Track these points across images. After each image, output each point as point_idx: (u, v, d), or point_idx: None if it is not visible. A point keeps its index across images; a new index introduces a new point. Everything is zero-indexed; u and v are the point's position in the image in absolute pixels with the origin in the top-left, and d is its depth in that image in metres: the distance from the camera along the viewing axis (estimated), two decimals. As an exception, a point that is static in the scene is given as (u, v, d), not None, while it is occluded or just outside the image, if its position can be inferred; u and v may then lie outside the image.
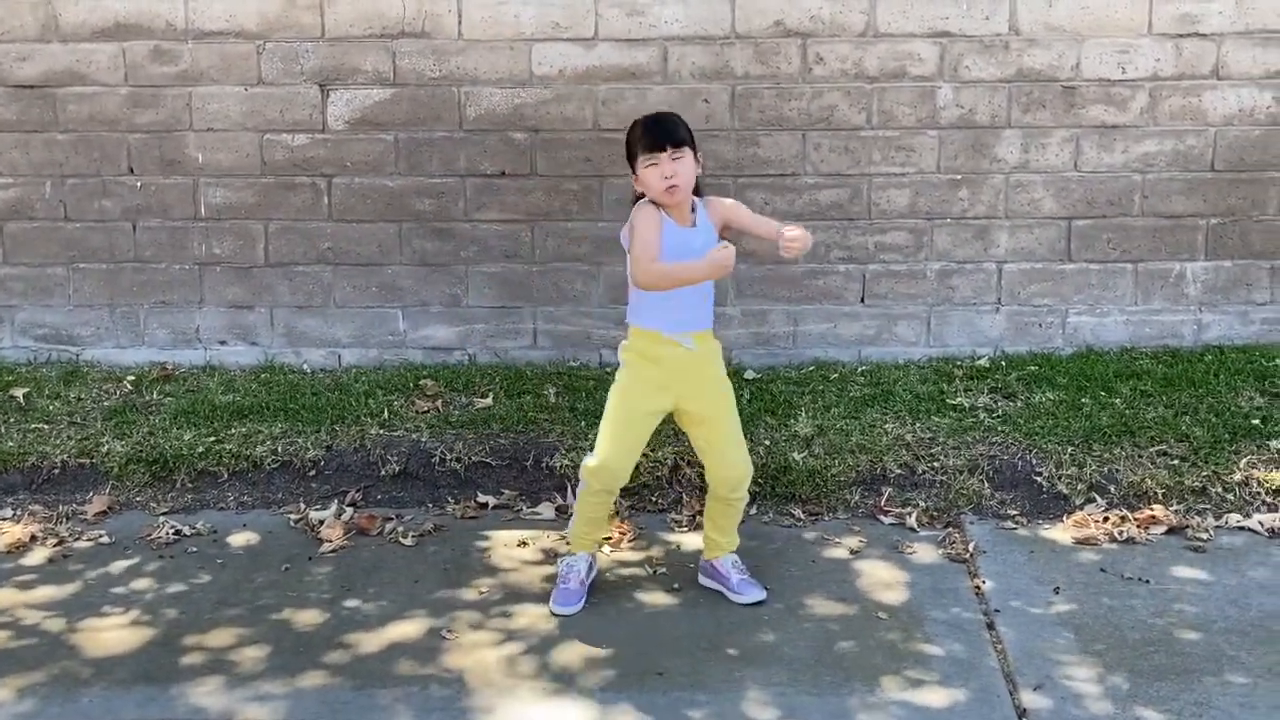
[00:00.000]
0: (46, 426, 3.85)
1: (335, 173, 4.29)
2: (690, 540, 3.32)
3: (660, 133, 2.84)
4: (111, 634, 2.84)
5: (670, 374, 2.91)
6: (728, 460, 2.96)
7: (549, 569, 3.15)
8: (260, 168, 4.29)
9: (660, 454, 3.57)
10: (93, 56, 4.24)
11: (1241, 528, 3.28)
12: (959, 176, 4.24)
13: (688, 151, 2.85)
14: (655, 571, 3.14)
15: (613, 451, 2.91)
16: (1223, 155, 4.20)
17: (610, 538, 3.33)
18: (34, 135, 4.29)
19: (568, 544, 3.10)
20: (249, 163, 4.29)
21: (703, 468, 3.08)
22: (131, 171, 4.32)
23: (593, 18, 4.16)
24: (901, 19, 4.13)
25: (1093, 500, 3.42)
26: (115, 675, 2.66)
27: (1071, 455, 3.53)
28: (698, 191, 2.95)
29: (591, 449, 2.99)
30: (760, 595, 2.95)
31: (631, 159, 2.89)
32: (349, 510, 3.50)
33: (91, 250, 4.37)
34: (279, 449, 3.69)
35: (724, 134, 4.22)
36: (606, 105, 4.20)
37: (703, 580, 3.06)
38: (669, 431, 3.67)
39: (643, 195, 2.91)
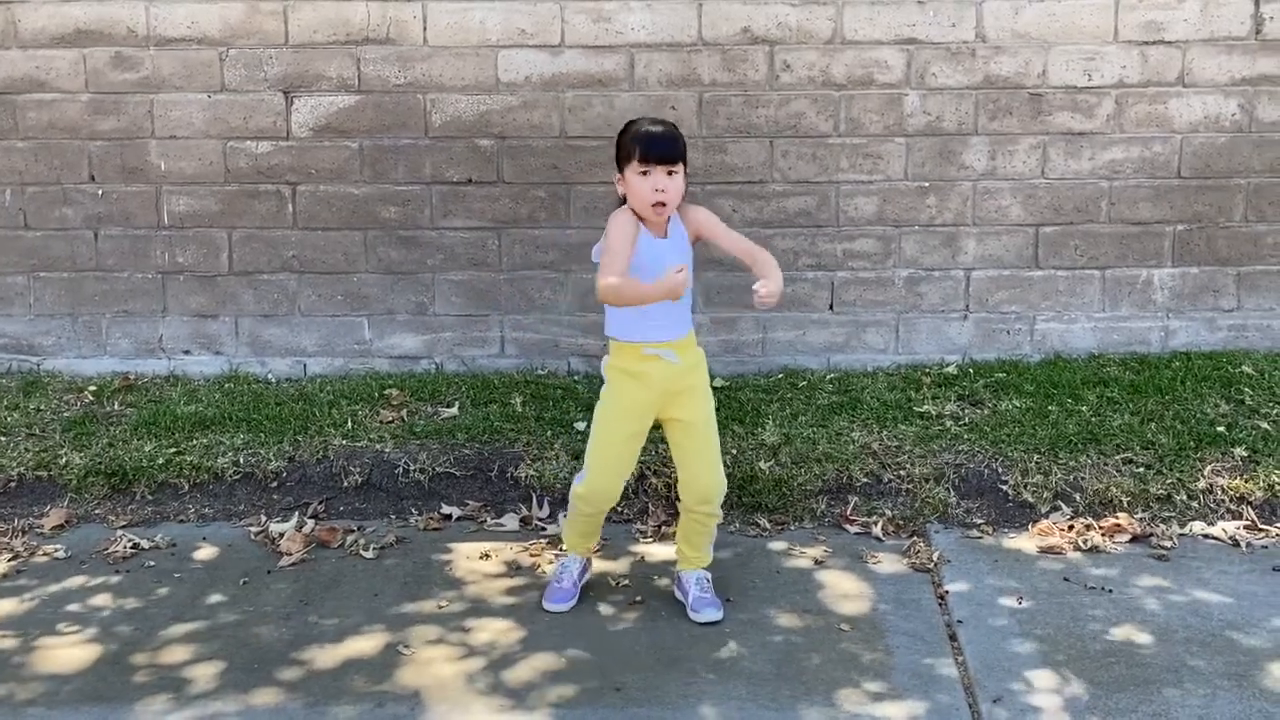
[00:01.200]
0: (4, 438, 3.79)
1: (300, 180, 4.25)
2: (655, 551, 3.29)
3: (662, 144, 2.77)
4: (63, 651, 2.79)
5: (655, 389, 2.86)
6: (700, 469, 2.90)
7: (511, 582, 3.12)
8: (224, 175, 4.25)
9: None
10: (53, 63, 4.19)
11: (1206, 535, 3.28)
12: (927, 184, 4.23)
13: (681, 168, 2.80)
14: (618, 583, 3.12)
15: (602, 475, 2.89)
16: (1189, 162, 4.21)
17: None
18: (-7, 143, 4.25)
19: (562, 548, 3.09)
20: (212, 170, 4.25)
21: (674, 480, 3.04)
22: (93, 179, 4.27)
23: (559, 24, 4.13)
24: (868, 26, 4.12)
25: (1058, 508, 3.41)
26: (63, 694, 2.61)
27: (1037, 463, 3.52)
28: None
29: (581, 464, 2.98)
30: (715, 616, 2.89)
31: (622, 160, 2.82)
32: (310, 522, 3.47)
33: (52, 259, 4.32)
34: (241, 460, 3.65)
35: (691, 141, 4.14)
36: (573, 112, 4.18)
37: (676, 593, 3.02)
38: (635, 441, 3.65)
39: (624, 199, 2.86)
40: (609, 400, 2.90)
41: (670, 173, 2.77)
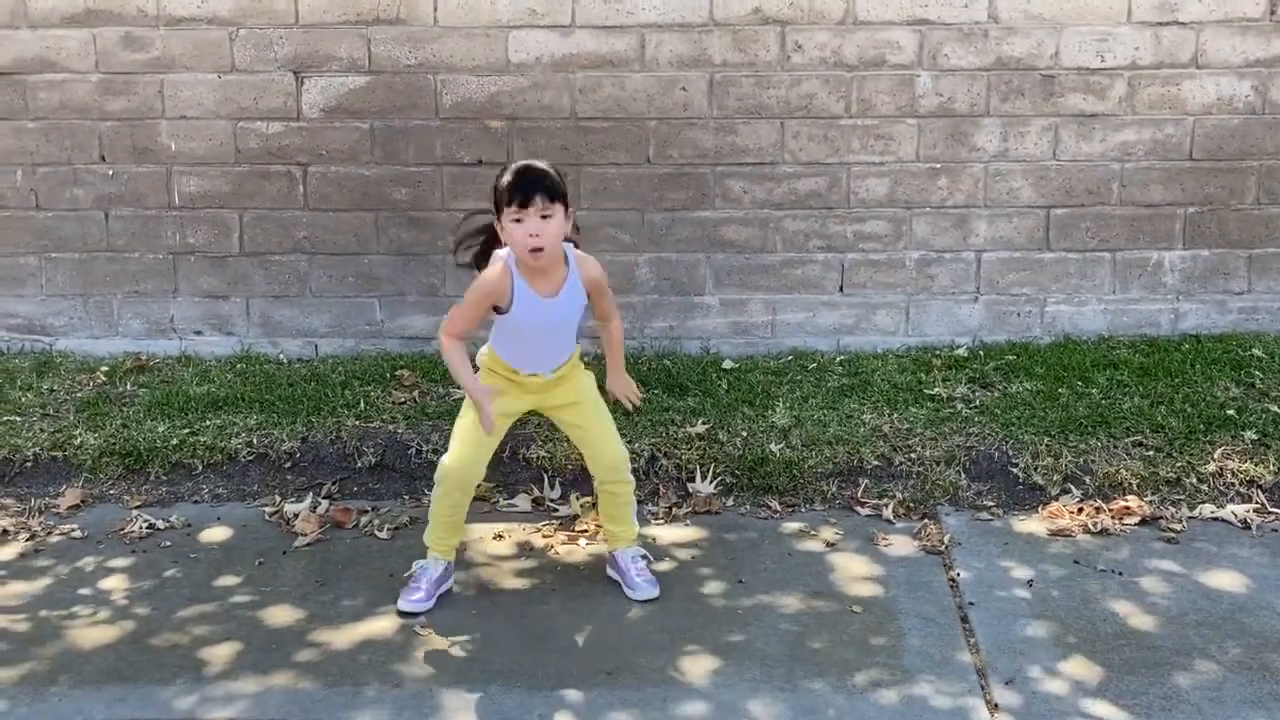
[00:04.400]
0: (19, 418, 3.81)
1: (310, 161, 4.25)
2: (665, 533, 3.31)
3: (528, 185, 2.65)
4: (82, 631, 2.82)
5: (528, 392, 2.91)
6: (602, 443, 2.93)
7: (524, 563, 3.14)
8: (234, 156, 4.25)
9: (638, 446, 3.56)
10: (63, 43, 4.18)
11: (1215, 518, 3.29)
12: (938, 165, 4.22)
13: (558, 209, 2.67)
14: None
15: (466, 452, 2.87)
16: (1201, 144, 4.20)
17: (586, 530, 3.32)
18: (4, 123, 4.24)
19: (426, 547, 2.99)
20: (223, 151, 4.25)
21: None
22: (103, 160, 4.27)
23: (570, 5, 4.12)
24: (881, 7, 4.11)
25: (1068, 491, 3.42)
26: (85, 673, 2.64)
27: (1048, 446, 3.53)
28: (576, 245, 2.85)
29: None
30: (653, 593, 2.92)
31: (498, 207, 2.72)
32: (324, 503, 3.49)
33: (63, 239, 4.33)
34: (254, 441, 3.67)
35: (702, 122, 4.19)
36: (584, 93, 4.17)
37: (609, 572, 3.03)
38: (645, 422, 3.67)
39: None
40: (482, 381, 2.86)
41: (545, 214, 2.65)
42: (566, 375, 2.94)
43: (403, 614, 2.87)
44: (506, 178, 2.72)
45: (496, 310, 2.82)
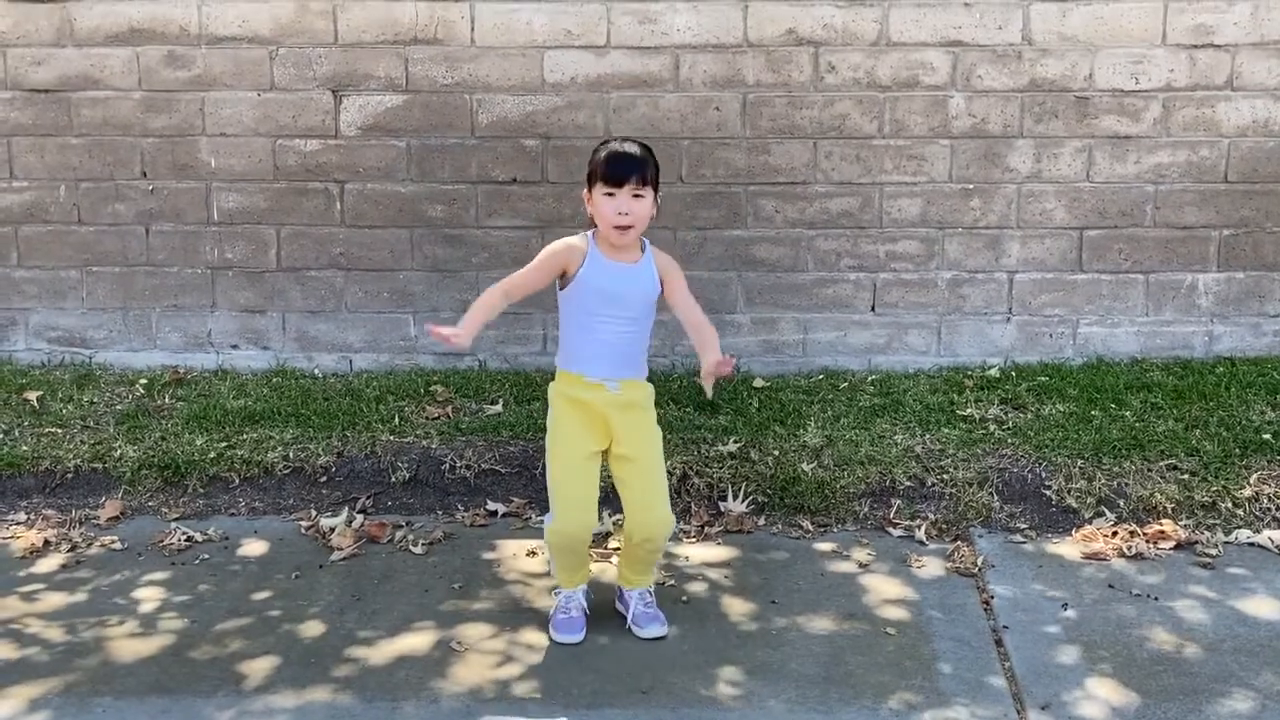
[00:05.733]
0: (60, 430, 3.87)
1: (348, 178, 4.30)
2: (698, 552, 3.33)
3: (625, 166, 2.72)
4: (124, 643, 2.86)
5: (597, 416, 2.80)
6: (646, 508, 2.80)
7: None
8: (273, 173, 4.31)
9: (669, 464, 3.57)
10: (107, 61, 4.25)
11: (1251, 544, 3.28)
12: (971, 186, 4.23)
13: (649, 191, 2.75)
14: (664, 583, 3.15)
15: (572, 509, 2.78)
16: (1236, 166, 4.19)
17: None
18: (48, 139, 4.32)
19: (557, 588, 2.95)
20: (261, 168, 4.31)
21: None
22: (144, 175, 4.34)
23: (605, 25, 4.16)
24: (914, 28, 4.12)
25: (1102, 514, 3.42)
26: (128, 685, 2.68)
27: (1081, 468, 3.53)
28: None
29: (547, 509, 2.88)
30: (660, 631, 2.85)
31: (590, 180, 2.79)
32: (359, 517, 3.52)
33: (104, 254, 4.40)
34: (290, 455, 3.71)
35: (735, 142, 4.22)
36: (618, 113, 4.21)
37: (617, 604, 2.98)
38: (677, 440, 3.68)
39: (593, 220, 2.83)
40: (556, 429, 2.84)
41: (636, 195, 2.73)
42: (636, 406, 2.84)
43: (560, 643, 2.83)
44: (603, 154, 2.77)
45: (563, 282, 2.82)
